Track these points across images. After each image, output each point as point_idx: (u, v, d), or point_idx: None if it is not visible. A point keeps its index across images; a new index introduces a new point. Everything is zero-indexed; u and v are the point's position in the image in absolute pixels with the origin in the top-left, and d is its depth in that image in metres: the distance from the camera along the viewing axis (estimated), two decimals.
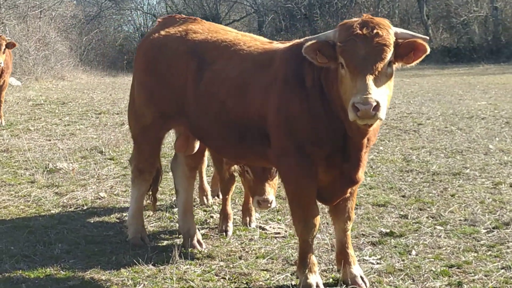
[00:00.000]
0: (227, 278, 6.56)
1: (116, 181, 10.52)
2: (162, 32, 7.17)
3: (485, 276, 6.44)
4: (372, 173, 10.74)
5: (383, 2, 55.19)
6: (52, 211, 8.92)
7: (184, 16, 7.40)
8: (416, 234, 7.66)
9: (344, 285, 6.29)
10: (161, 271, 6.75)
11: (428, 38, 5.56)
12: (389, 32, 5.41)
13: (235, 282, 6.47)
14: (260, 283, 6.44)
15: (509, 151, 12.37)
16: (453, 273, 6.54)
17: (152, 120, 7.15)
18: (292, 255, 7.07)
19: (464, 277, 6.43)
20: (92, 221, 8.50)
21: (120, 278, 6.61)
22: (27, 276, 6.62)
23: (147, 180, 7.53)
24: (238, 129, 6.44)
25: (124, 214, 8.61)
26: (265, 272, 6.70)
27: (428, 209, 8.68)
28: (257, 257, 7.08)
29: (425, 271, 6.58)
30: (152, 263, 6.91)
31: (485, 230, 7.73)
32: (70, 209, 9.04)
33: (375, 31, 5.34)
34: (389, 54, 5.34)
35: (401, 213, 8.56)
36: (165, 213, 8.74)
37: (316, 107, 5.89)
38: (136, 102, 7.30)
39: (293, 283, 6.36)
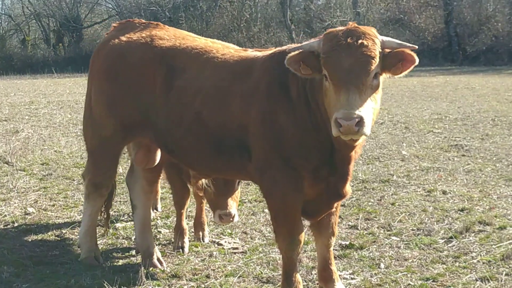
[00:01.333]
0: None
1: (39, 195, 9.88)
2: (123, 38, 6.68)
3: None
4: None
5: (245, 6, 55.31)
6: None
7: (144, 21, 6.93)
8: (376, 246, 7.49)
9: None
10: None
11: (416, 47, 5.30)
12: (375, 42, 5.11)
13: None
14: None
15: (423, 157, 12.47)
16: (431, 287, 6.37)
17: (112, 131, 6.65)
18: (262, 272, 6.75)
19: None
20: (30, 240, 7.89)
21: None
22: None
23: (104, 195, 7.04)
24: (215, 141, 6.06)
25: (64, 231, 8.12)
26: None
27: (375, 219, 8.53)
28: (226, 276, 6.71)
29: (403, 285, 6.39)
30: (116, 285, 6.39)
31: (443, 240, 7.65)
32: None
33: (360, 41, 5.04)
34: (374, 66, 5.04)
35: (349, 223, 8.40)
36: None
37: (302, 118, 5.59)
38: (94, 112, 6.76)
39: None
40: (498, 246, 7.39)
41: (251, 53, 6.23)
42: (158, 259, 7.00)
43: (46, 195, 9.83)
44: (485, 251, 7.26)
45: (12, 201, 9.48)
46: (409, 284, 6.45)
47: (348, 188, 5.84)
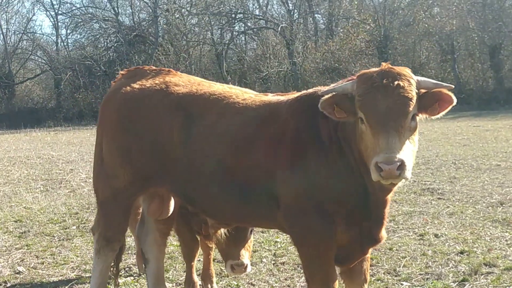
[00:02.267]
0: None
1: (23, 253, 9.45)
2: (135, 86, 6.42)
3: None
4: None
5: (180, 59, 55.19)
6: None
7: (154, 67, 6.69)
8: None
9: None
10: None
11: (453, 86, 5.20)
12: (411, 82, 4.97)
13: None
14: None
15: (401, 201, 12.34)
16: None
17: (126, 182, 6.34)
18: None
19: None
20: None
21: None
22: None
23: (115, 250, 6.70)
24: (241, 189, 5.82)
25: None
26: None
27: (378, 264, 8.37)
28: None
29: None
30: None
31: (455, 284, 7.55)
32: None
33: (396, 82, 4.91)
34: (412, 107, 4.92)
35: None
36: None
37: (334, 161, 5.42)
38: (106, 163, 6.45)
39: None
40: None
41: (273, 97, 6.07)
42: None
43: (31, 252, 9.40)
44: None
45: None
46: None
47: (383, 233, 5.66)
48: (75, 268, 8.65)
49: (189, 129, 6.01)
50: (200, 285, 7.44)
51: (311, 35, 55.23)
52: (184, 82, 6.38)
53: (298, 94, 5.91)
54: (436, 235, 9.70)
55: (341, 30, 51.91)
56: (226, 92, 6.18)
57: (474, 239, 9.47)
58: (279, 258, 8.82)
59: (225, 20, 56.62)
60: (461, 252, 8.78)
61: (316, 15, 57.76)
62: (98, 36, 59.23)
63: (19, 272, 8.48)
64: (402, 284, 7.60)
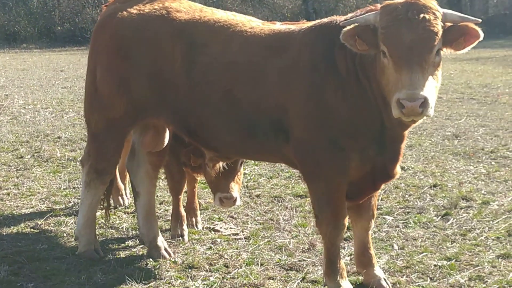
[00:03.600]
0: None
1: None
2: (132, 10, 6.09)
3: None
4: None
5: None
6: None
7: None
8: (376, 226, 7.23)
9: None
10: None
11: (480, 20, 5.08)
12: (437, 16, 4.83)
13: None
14: None
15: None
16: (459, 267, 6.28)
17: (123, 112, 6.08)
18: (281, 259, 6.42)
19: None
20: (5, 233, 7.16)
21: None
22: None
23: (106, 183, 6.47)
24: (248, 122, 5.66)
25: (38, 222, 7.50)
26: (272, 281, 5.98)
27: None
28: (247, 264, 6.32)
29: (431, 266, 6.30)
30: (135, 280, 5.88)
31: (439, 218, 7.68)
32: None
33: (421, 15, 4.76)
34: (437, 42, 4.79)
35: None
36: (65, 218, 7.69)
37: (352, 95, 5.27)
38: (101, 92, 6.14)
39: None
40: (496, 222, 7.44)
41: (283, 26, 5.84)
42: (166, 250, 6.54)
43: None
44: (487, 228, 7.29)
45: None
46: (436, 265, 6.32)
47: (398, 168, 5.57)
48: (43, 199, 8.33)
49: (193, 58, 5.77)
50: None
51: None
52: (185, 8, 6.10)
53: (312, 23, 5.70)
54: (403, 168, 9.67)
55: None
56: (231, 19, 5.94)
57: (441, 172, 9.59)
58: (253, 191, 8.74)
59: None
60: (434, 186, 8.88)
61: None
62: None
63: None
64: (385, 218, 7.61)
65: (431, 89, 4.70)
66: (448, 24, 4.91)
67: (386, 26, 4.82)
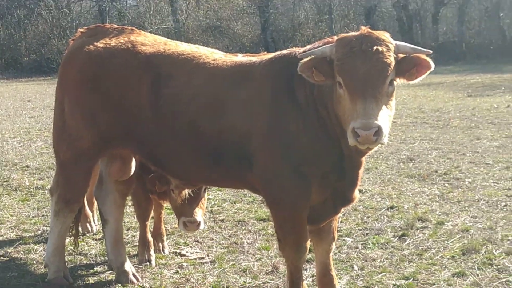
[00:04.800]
0: None
1: None
2: (99, 44, 6.06)
3: None
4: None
5: (62, 14, 53.41)
6: None
7: (116, 26, 6.34)
8: (336, 248, 7.27)
9: None
10: None
11: (431, 52, 5.15)
12: (390, 48, 4.85)
13: None
14: None
15: None
16: (418, 286, 6.30)
17: (90, 144, 6.02)
18: (246, 282, 6.45)
19: None
20: None
21: None
22: None
23: (75, 211, 6.41)
24: (212, 151, 5.63)
25: (8, 251, 7.40)
26: None
27: None
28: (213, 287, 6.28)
29: (390, 286, 6.28)
30: None
31: (396, 239, 7.66)
32: None
33: (375, 47, 4.79)
34: (390, 73, 4.82)
35: None
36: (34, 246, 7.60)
37: (312, 124, 5.28)
38: (69, 124, 6.09)
39: None
40: (451, 241, 7.47)
41: (244, 58, 5.84)
42: (134, 275, 6.49)
43: None
44: (442, 247, 7.32)
45: None
46: (394, 284, 6.35)
47: (356, 193, 5.61)
48: (13, 227, 8.24)
49: (158, 90, 5.73)
50: None
51: None
52: (150, 41, 6.07)
53: (272, 55, 5.71)
54: (361, 191, 9.69)
55: None
56: (194, 52, 5.93)
57: (397, 194, 9.63)
58: (217, 215, 8.72)
59: None
60: (391, 207, 8.90)
61: None
62: None
63: None
64: (345, 240, 7.62)
65: (384, 118, 4.72)
66: (401, 55, 4.94)
67: (342, 58, 4.83)
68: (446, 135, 14.91)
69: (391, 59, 4.82)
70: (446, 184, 10.21)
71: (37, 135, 15.93)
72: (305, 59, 4.96)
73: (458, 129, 15.87)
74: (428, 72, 5.01)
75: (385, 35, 4.95)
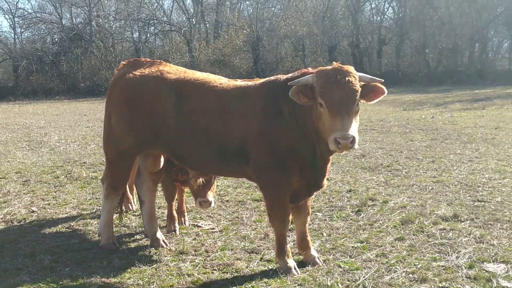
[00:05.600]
0: (218, 269, 5.68)
1: (31, 197, 8.83)
2: (137, 73, 6.06)
3: None
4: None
5: (108, 52, 53.12)
6: None
7: (149, 59, 6.31)
8: (311, 220, 7.22)
9: (309, 264, 5.76)
10: (157, 269, 5.70)
11: (383, 80, 5.13)
12: (356, 78, 4.89)
13: (227, 272, 5.65)
14: (246, 270, 5.69)
15: None
16: (368, 247, 6.24)
17: (130, 145, 6.01)
18: (245, 246, 6.38)
19: None
20: (47, 232, 7.01)
21: (128, 279, 5.47)
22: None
23: (119, 195, 6.39)
24: (219, 149, 5.62)
25: (71, 224, 7.36)
26: (239, 261, 5.92)
27: None
28: (221, 250, 6.26)
29: (350, 247, 6.24)
30: (144, 262, 5.80)
31: (354, 213, 7.61)
32: (15, 223, 7.38)
33: (347, 78, 4.82)
34: (358, 96, 4.84)
35: None
36: (90, 220, 7.51)
37: (293, 131, 5.28)
38: (114, 131, 6.06)
39: (270, 267, 5.72)
40: (393, 215, 7.43)
41: (242, 82, 5.83)
42: (163, 241, 6.45)
43: (37, 196, 8.80)
44: (387, 219, 7.26)
45: (12, 202, 8.39)
46: (353, 246, 6.31)
47: (325, 181, 5.59)
48: (74, 207, 8.17)
49: (180, 106, 5.73)
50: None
51: (204, 36, 54.45)
52: (173, 70, 6.06)
53: (263, 80, 5.70)
54: (328, 179, 9.63)
55: (226, 33, 51.28)
56: (206, 78, 5.91)
57: (354, 181, 9.58)
58: (223, 197, 8.65)
59: (141, 24, 55.02)
60: (349, 191, 8.85)
61: (207, 22, 56.99)
62: (46, 34, 56.53)
63: (33, 212, 7.93)
64: (316, 214, 7.58)
65: (355, 129, 4.75)
66: (362, 83, 4.95)
67: (322, 86, 4.83)
68: (388, 138, 14.87)
69: (358, 87, 4.85)
70: (389, 174, 10.17)
71: (91, 140, 15.83)
72: (294, 87, 4.96)
73: (397, 133, 15.83)
74: (383, 96, 5.05)
75: (351, 68, 4.98)
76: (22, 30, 58.12)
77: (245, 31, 49.62)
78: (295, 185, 5.48)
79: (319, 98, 4.85)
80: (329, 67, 5.00)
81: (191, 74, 5.99)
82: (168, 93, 5.80)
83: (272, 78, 5.66)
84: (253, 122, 5.41)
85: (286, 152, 5.30)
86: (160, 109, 5.79)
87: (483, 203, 7.89)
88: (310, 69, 5.26)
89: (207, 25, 56.98)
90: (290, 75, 5.47)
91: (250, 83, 5.76)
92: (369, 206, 7.90)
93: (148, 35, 57.01)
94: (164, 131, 5.81)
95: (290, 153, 5.30)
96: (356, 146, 4.68)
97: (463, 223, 6.97)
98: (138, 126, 5.91)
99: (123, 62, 6.41)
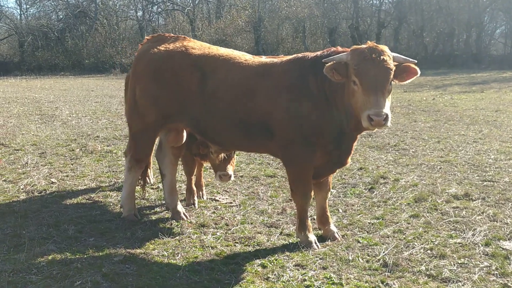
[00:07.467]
0: (240, 242, 5.63)
1: (49, 168, 8.74)
2: (161, 48, 5.94)
3: None
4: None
5: (112, 30, 52.71)
6: (21, 197, 7.13)
7: (173, 35, 6.19)
8: None
9: (328, 239, 5.71)
10: (181, 241, 5.65)
11: (416, 61, 5.03)
12: (390, 57, 4.81)
13: (249, 245, 5.59)
14: (267, 243, 5.63)
15: None
16: (384, 223, 6.20)
17: (154, 119, 5.91)
18: (264, 220, 6.32)
19: None
20: (68, 203, 6.93)
21: (153, 250, 5.41)
22: (71, 257, 5.18)
23: (142, 168, 6.30)
24: (244, 125, 5.53)
25: (92, 195, 7.27)
26: (259, 235, 5.86)
27: None
28: (241, 223, 6.20)
29: (366, 223, 6.18)
30: (165, 235, 5.74)
31: (367, 190, 7.53)
32: (36, 194, 7.30)
33: (381, 57, 4.74)
34: (392, 75, 4.76)
35: None
36: (109, 192, 7.43)
37: (321, 108, 5.19)
38: (139, 104, 5.96)
39: (290, 241, 5.66)
40: (406, 193, 7.37)
41: (267, 59, 5.72)
42: (184, 214, 6.40)
43: (55, 168, 8.72)
44: (400, 197, 7.21)
45: (32, 174, 8.31)
46: (369, 222, 6.26)
47: (349, 159, 5.53)
48: (93, 180, 8.10)
49: (205, 81, 5.63)
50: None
51: (207, 16, 54.06)
52: (197, 46, 5.95)
53: (290, 57, 5.59)
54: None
55: (228, 13, 50.91)
56: (230, 54, 5.81)
57: (364, 159, 9.54)
58: (238, 173, 8.57)
59: (145, 3, 54.60)
60: (360, 168, 8.81)
61: (209, 2, 56.56)
62: (51, 11, 56.14)
63: (53, 183, 7.85)
64: (332, 191, 7.51)
65: (388, 108, 4.67)
66: (395, 63, 4.85)
67: (358, 64, 4.74)
68: (393, 119, 14.74)
69: (392, 66, 4.77)
70: (397, 153, 10.13)
71: (101, 115, 15.73)
72: (329, 64, 4.87)
73: (400, 114, 15.78)
74: (415, 77, 4.97)
75: (386, 48, 4.89)
76: (27, 6, 57.63)
77: (247, 12, 49.29)
78: (319, 161, 5.40)
79: (353, 75, 4.77)
80: (364, 46, 4.90)
81: (215, 50, 5.88)
82: (193, 69, 5.70)
83: (299, 55, 5.55)
84: (280, 98, 5.32)
85: (312, 128, 5.22)
86: (185, 83, 5.70)
87: (492, 182, 7.85)
88: (339, 48, 5.16)
89: (210, 5, 56.50)
90: (319, 52, 5.38)
91: (275, 60, 5.65)
92: (381, 184, 7.85)
93: (152, 14, 56.54)
94: (189, 105, 5.72)
95: (316, 130, 5.22)
96: (389, 123, 4.59)
97: (475, 202, 6.92)
98: (162, 100, 5.81)
99: (147, 37, 6.28)
